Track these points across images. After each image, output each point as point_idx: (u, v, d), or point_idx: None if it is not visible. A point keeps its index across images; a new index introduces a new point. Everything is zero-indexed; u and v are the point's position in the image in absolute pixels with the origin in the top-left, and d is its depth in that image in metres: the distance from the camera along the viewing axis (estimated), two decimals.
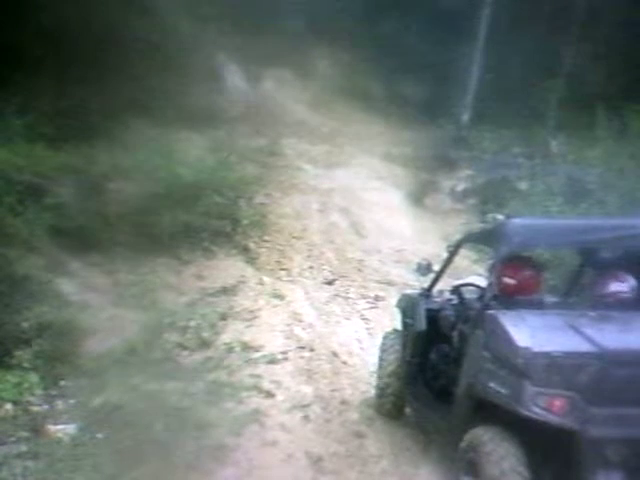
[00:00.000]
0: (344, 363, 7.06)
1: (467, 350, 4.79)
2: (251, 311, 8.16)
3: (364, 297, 9.05)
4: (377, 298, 8.99)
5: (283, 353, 7.10)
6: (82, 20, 10.18)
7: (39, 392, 6.14)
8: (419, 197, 12.97)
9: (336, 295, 9.14)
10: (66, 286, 7.75)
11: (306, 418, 5.88)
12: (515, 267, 4.96)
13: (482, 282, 5.60)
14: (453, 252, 5.76)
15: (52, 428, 5.58)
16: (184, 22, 12.78)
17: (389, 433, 5.69)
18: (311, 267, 10.00)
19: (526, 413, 4.12)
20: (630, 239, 4.91)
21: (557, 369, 4.12)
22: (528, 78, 16.00)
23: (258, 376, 6.54)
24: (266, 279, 9.35)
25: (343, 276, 9.73)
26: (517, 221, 4.93)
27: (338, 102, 16.16)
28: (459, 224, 11.48)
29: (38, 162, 8.62)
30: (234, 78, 15.52)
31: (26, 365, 6.34)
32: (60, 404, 6.02)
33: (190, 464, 5.06)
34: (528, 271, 5.04)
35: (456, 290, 5.64)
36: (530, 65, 15.95)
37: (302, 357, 7.10)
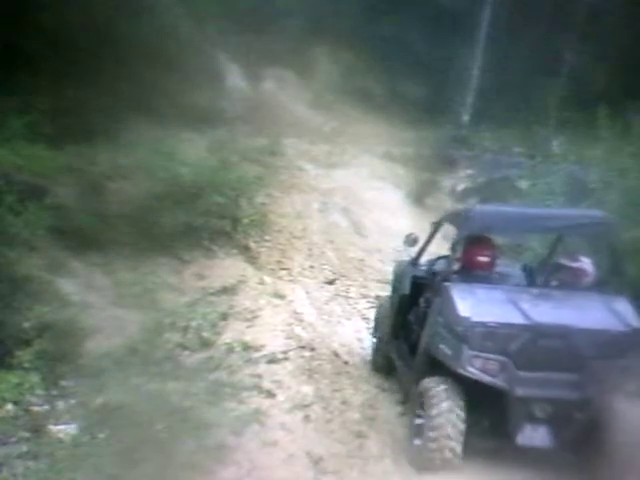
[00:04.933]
0: (345, 363, 7.06)
1: (428, 314, 5.54)
2: (252, 311, 8.15)
3: (365, 297, 9.05)
4: (378, 298, 8.98)
5: (284, 353, 7.09)
6: (82, 20, 10.18)
7: (40, 392, 6.12)
8: (420, 197, 12.95)
9: (337, 295, 9.14)
10: (67, 286, 7.74)
11: (307, 418, 5.87)
12: (477, 246, 5.72)
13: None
14: (436, 228, 6.46)
15: (53, 428, 5.58)
16: (184, 22, 12.78)
17: (390, 433, 5.69)
18: (312, 267, 10.00)
19: (463, 372, 4.92)
20: (575, 228, 5.70)
21: (492, 337, 4.89)
22: (529, 77, 16.00)
23: (259, 376, 6.54)
24: (267, 279, 9.35)
25: (344, 276, 9.73)
26: (479, 208, 5.96)
27: (339, 102, 16.14)
28: None
29: (38, 162, 8.61)
30: (234, 78, 15.51)
31: (27, 365, 6.32)
32: (61, 404, 6.01)
33: (191, 464, 5.05)
34: (488, 250, 5.75)
35: (436, 261, 6.30)
36: (531, 64, 15.97)
37: (303, 357, 7.10)
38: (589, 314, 5.12)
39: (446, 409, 4.90)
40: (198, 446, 5.25)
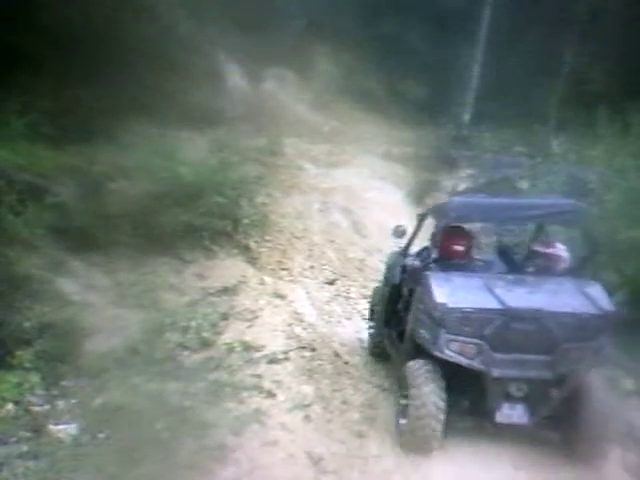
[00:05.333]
0: (345, 363, 7.06)
1: (411, 302, 5.87)
2: (252, 311, 8.15)
3: (365, 297, 9.02)
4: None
5: (284, 353, 7.09)
6: (83, 19, 10.17)
7: (40, 392, 6.13)
8: (420, 197, 12.94)
9: (337, 295, 9.14)
10: (67, 286, 7.74)
11: (307, 418, 5.88)
12: (454, 236, 6.05)
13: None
14: (421, 220, 6.73)
15: (53, 428, 5.58)
16: (185, 21, 12.78)
17: (390, 433, 5.68)
18: (312, 267, 10.00)
19: (441, 355, 5.26)
20: (550, 216, 5.97)
21: (467, 321, 5.18)
22: (529, 77, 16.00)
23: (259, 376, 6.54)
24: (267, 279, 9.34)
25: (344, 276, 9.72)
26: (456, 200, 6.31)
27: (339, 102, 16.16)
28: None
29: (39, 162, 8.61)
30: (235, 77, 15.50)
31: (27, 365, 6.33)
32: (61, 404, 6.01)
33: (191, 464, 5.06)
34: (464, 239, 6.12)
35: (422, 251, 6.47)
36: (531, 64, 15.95)
37: (303, 357, 7.10)
38: (562, 298, 5.35)
39: (427, 391, 5.25)
40: (198, 446, 5.26)
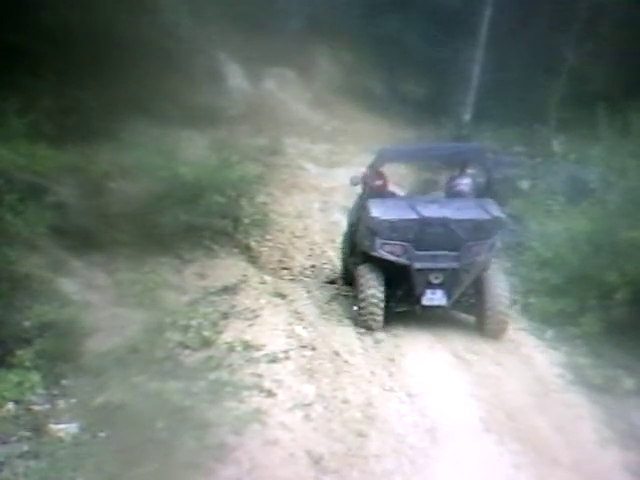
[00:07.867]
0: (345, 362, 7.04)
1: (360, 224, 8.04)
2: (252, 310, 8.16)
3: None
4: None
5: (284, 352, 7.08)
6: (83, 20, 10.16)
7: (41, 391, 6.13)
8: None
9: (338, 294, 9.13)
10: (67, 285, 7.75)
11: (307, 417, 5.87)
12: (377, 176, 8.45)
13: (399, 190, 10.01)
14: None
15: (54, 427, 5.58)
16: (185, 21, 12.77)
17: (391, 432, 5.68)
18: (313, 266, 10.01)
19: (377, 255, 7.41)
20: (456, 156, 8.73)
21: (395, 229, 7.31)
22: (529, 77, 16.00)
23: (259, 375, 6.53)
24: (267, 278, 9.35)
25: None
26: (386, 147, 8.84)
27: (339, 101, 16.18)
28: None
29: (39, 161, 8.60)
30: (235, 77, 15.52)
31: (27, 364, 6.33)
32: (62, 403, 6.01)
33: (191, 463, 5.05)
34: (381, 178, 8.53)
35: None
36: (531, 64, 15.96)
37: (303, 356, 7.09)
38: (464, 210, 7.49)
39: (371, 285, 7.41)
40: (199, 445, 5.26)
